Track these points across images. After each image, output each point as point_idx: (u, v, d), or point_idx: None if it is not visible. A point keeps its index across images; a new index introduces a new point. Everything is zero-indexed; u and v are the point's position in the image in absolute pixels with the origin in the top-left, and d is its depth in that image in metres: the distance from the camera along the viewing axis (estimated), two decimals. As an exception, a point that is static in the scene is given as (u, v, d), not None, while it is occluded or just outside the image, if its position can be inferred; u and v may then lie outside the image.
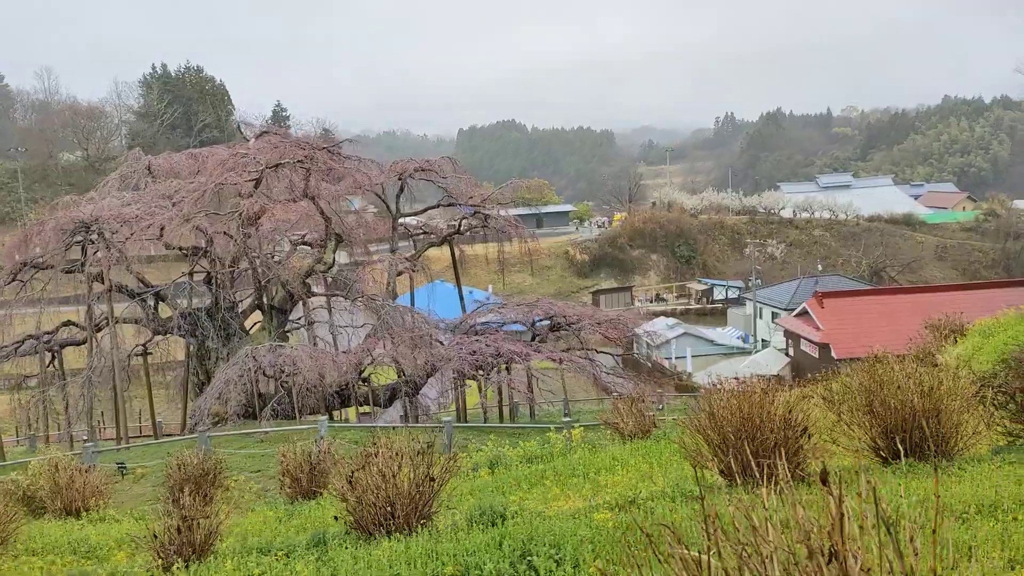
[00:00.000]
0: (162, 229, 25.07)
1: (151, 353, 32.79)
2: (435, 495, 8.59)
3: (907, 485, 8.78)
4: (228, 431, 22.69)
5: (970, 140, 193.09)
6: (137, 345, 31.73)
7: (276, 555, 7.69)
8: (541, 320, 29.48)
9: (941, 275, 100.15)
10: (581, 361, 25.86)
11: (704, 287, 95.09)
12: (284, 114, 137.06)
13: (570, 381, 30.45)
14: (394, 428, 23.69)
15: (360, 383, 26.40)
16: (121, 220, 24.85)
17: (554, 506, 8.88)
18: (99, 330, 29.59)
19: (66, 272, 25.55)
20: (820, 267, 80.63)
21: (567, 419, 20.29)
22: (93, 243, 24.61)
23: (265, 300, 29.05)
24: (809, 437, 9.42)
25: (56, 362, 30.82)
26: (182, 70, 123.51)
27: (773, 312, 67.47)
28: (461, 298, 33.40)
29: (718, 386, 9.89)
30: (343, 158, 29.76)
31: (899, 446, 9.72)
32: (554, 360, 25.47)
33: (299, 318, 30.21)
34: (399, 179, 31.44)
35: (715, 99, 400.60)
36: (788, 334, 56.08)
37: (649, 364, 65.04)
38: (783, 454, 9.18)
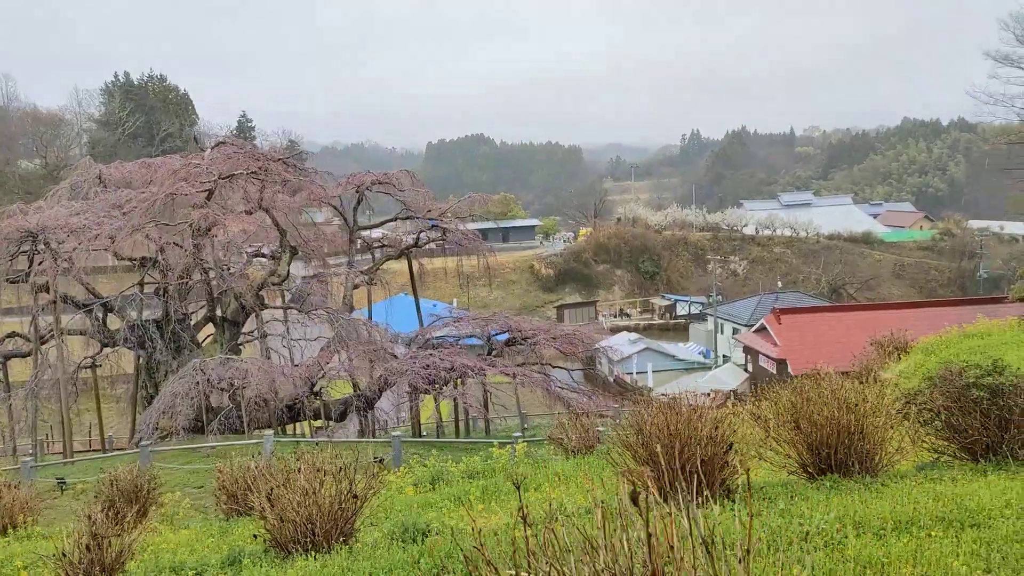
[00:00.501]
0: (112, 240, 24.64)
1: (100, 366, 32.13)
2: (357, 512, 8.51)
3: (828, 501, 8.92)
4: (174, 446, 22.26)
5: (928, 161, 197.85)
6: (85, 358, 31.09)
7: (187, 574, 7.54)
8: (497, 334, 29.48)
9: (898, 292, 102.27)
10: (535, 376, 25.87)
11: (667, 303, 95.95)
12: (249, 124, 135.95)
13: (527, 396, 30.42)
14: (342, 443, 23.47)
15: (312, 397, 26.12)
16: (68, 230, 24.38)
17: (480, 522, 8.83)
18: (45, 342, 28.94)
19: (10, 282, 24.95)
20: (780, 284, 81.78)
21: (517, 435, 20.26)
22: (39, 253, 24.09)
23: (218, 312, 28.65)
24: (735, 453, 9.52)
25: (1, 374, 30.08)
26: (145, 79, 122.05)
27: (734, 328, 68.26)
28: (419, 311, 33.27)
29: (660, 400, 9.95)
30: (298, 170, 29.57)
31: (824, 462, 9.88)
32: (508, 375, 25.45)
33: (252, 331, 29.85)
34: (356, 192, 31.31)
35: (682, 117, 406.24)
36: (747, 350, 56.70)
37: (611, 379, 65.37)
38: (706, 469, 9.29)
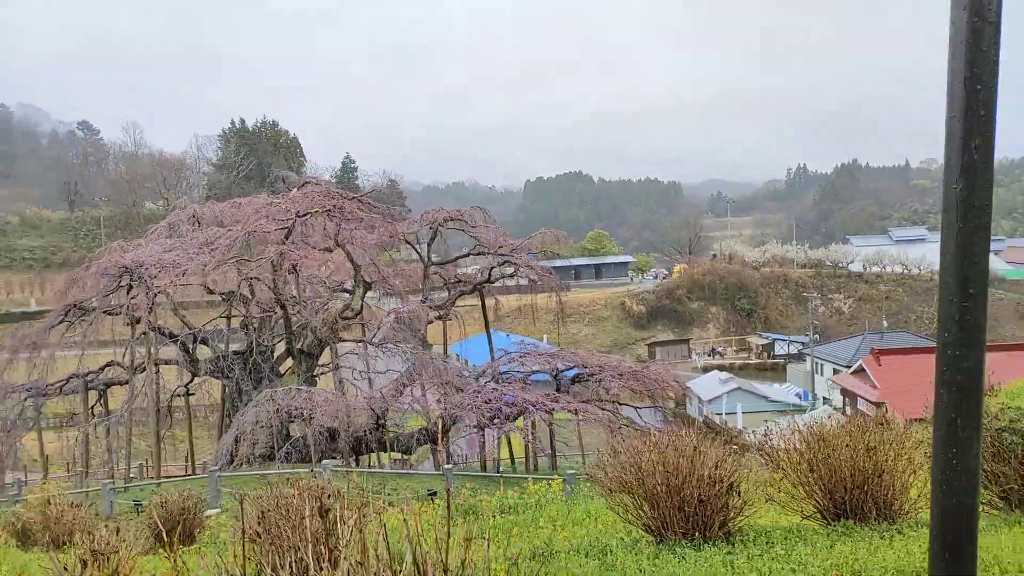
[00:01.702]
0: (195, 275, 26.19)
1: (193, 394, 33.90)
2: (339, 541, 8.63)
3: (831, 548, 8.43)
4: (243, 472, 23.18)
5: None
6: (179, 387, 32.87)
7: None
8: (565, 370, 29.33)
9: (1022, 334, 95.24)
10: (598, 412, 25.54)
11: (765, 341, 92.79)
12: (352, 165, 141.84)
13: (596, 434, 30.04)
14: (400, 474, 23.82)
15: (381, 430, 26.66)
16: (160, 266, 26.09)
17: (467, 555, 8.81)
18: (140, 371, 30.85)
19: (108, 314, 26.86)
20: (885, 323, 77.72)
21: (571, 472, 20.04)
22: (132, 287, 25.88)
23: (296, 345, 29.81)
24: (736, 495, 9.13)
25: (102, 401, 32.18)
26: (258, 124, 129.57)
27: (834, 369, 65.41)
28: (491, 346, 33.54)
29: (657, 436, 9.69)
30: (371, 207, 30.62)
31: (838, 507, 9.34)
32: (570, 411, 25.24)
33: (330, 363, 30.88)
34: (431, 228, 32.10)
35: (788, 151, 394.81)
36: (845, 392, 54.07)
37: (700, 419, 63.49)
38: (704, 510, 8.98)
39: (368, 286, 30.18)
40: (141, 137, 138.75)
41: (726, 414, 60.75)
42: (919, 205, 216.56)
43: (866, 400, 48.32)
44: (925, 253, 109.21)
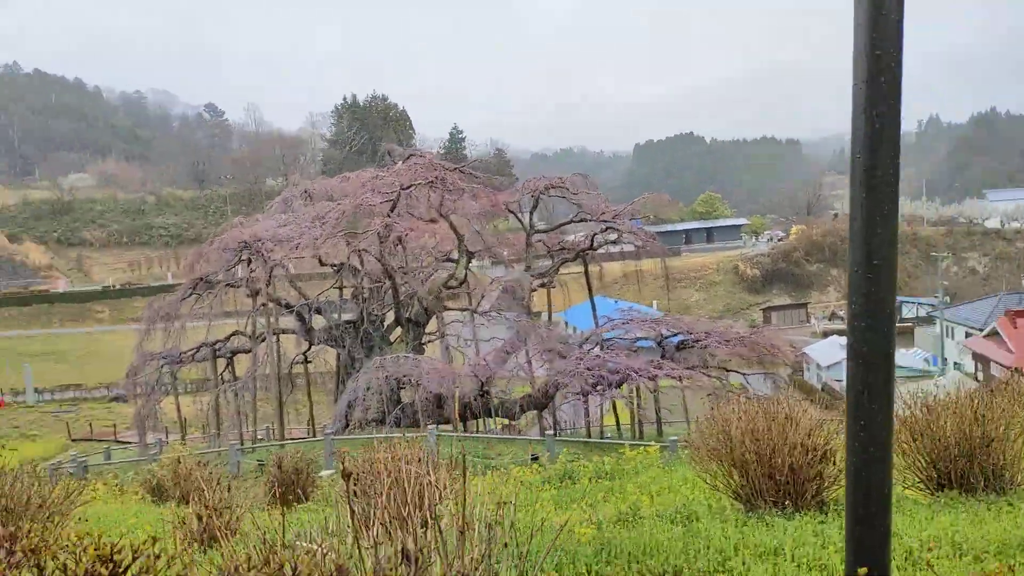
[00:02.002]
0: (307, 248, 27.42)
1: (311, 362, 35.63)
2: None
3: (931, 518, 8.06)
4: (356, 435, 24.29)
5: None
6: (298, 354, 34.64)
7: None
8: (669, 336, 28.94)
9: None
10: (703, 380, 25.14)
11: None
12: (460, 136, 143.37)
13: (702, 401, 29.59)
14: (502, 438, 24.31)
15: (484, 395, 27.22)
16: (275, 240, 27.46)
17: (552, 519, 8.99)
18: (262, 340, 32.71)
19: (231, 287, 28.54)
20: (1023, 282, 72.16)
21: (673, 439, 19.88)
22: (250, 261, 27.41)
23: (403, 314, 30.75)
24: (831, 463, 8.82)
25: (230, 368, 34.35)
26: (369, 99, 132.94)
27: (966, 332, 61.50)
28: (594, 313, 33.44)
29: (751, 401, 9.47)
30: (473, 177, 30.98)
31: (944, 477, 8.87)
32: (674, 378, 24.94)
33: (435, 332, 31.72)
34: (532, 196, 32.19)
35: (918, 101, 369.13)
36: (977, 357, 50.81)
37: (819, 387, 61.16)
38: (796, 479, 8.74)
39: (471, 255, 30.68)
40: (260, 117, 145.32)
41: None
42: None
43: (1000, 365, 45.20)
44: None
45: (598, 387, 24.78)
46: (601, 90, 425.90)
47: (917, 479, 9.17)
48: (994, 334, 47.88)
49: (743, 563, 7.02)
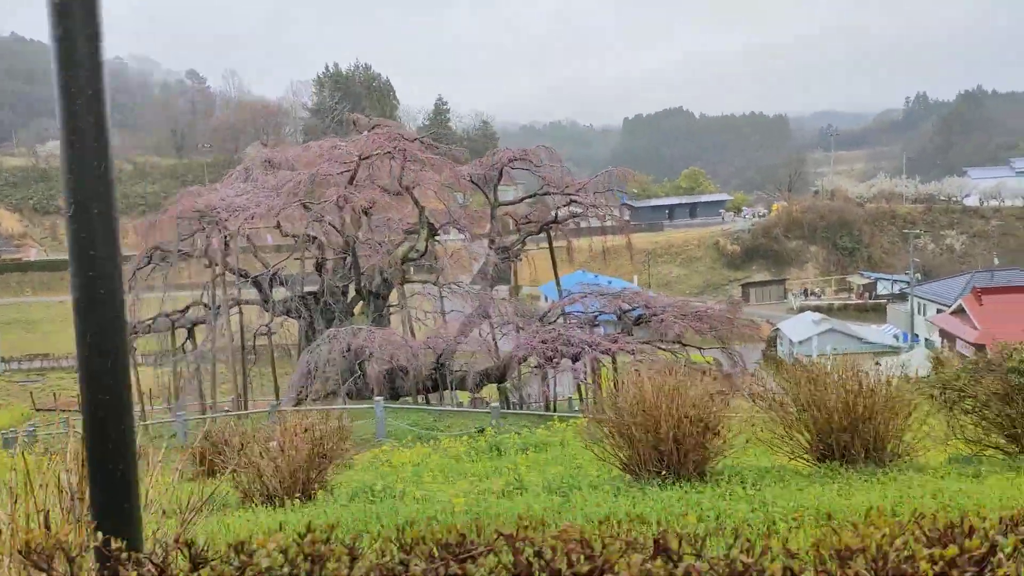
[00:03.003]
0: (270, 215, 27.25)
1: (275, 333, 35.55)
2: (324, 469, 9.02)
3: (804, 490, 8.16)
4: (304, 408, 24.35)
5: None
6: (262, 326, 34.55)
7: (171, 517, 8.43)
8: (628, 311, 29.03)
9: None
10: (657, 354, 25.27)
11: (867, 281, 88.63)
12: (445, 107, 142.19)
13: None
14: (448, 411, 24.41)
15: (442, 367, 27.27)
16: (230, 209, 27.25)
17: (443, 489, 9.07)
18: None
19: (185, 256, 28.32)
20: (996, 260, 72.76)
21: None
22: (204, 230, 27.24)
23: (364, 286, 30.68)
24: (715, 435, 8.91)
25: (192, 339, 34.24)
26: (352, 68, 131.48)
27: (938, 309, 61.97)
28: (559, 287, 33.49)
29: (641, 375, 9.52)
30: (434, 147, 30.79)
31: (826, 449, 8.99)
32: (627, 352, 25.04)
33: (399, 303, 31.69)
34: (496, 169, 32.03)
35: (905, 79, 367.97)
36: (944, 333, 51.31)
37: (790, 361, 61.59)
38: (681, 450, 8.84)
39: (433, 227, 30.57)
40: (239, 84, 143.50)
41: (817, 356, 58.81)
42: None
43: (965, 341, 45.69)
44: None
45: (552, 360, 24.88)
46: (593, 64, 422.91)
47: (803, 450, 9.30)
48: (960, 311, 48.31)
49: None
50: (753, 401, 9.94)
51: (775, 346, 70.09)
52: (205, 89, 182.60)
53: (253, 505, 8.39)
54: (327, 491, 9.16)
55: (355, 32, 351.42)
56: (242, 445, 8.69)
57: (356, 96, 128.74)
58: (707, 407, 8.87)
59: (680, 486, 8.44)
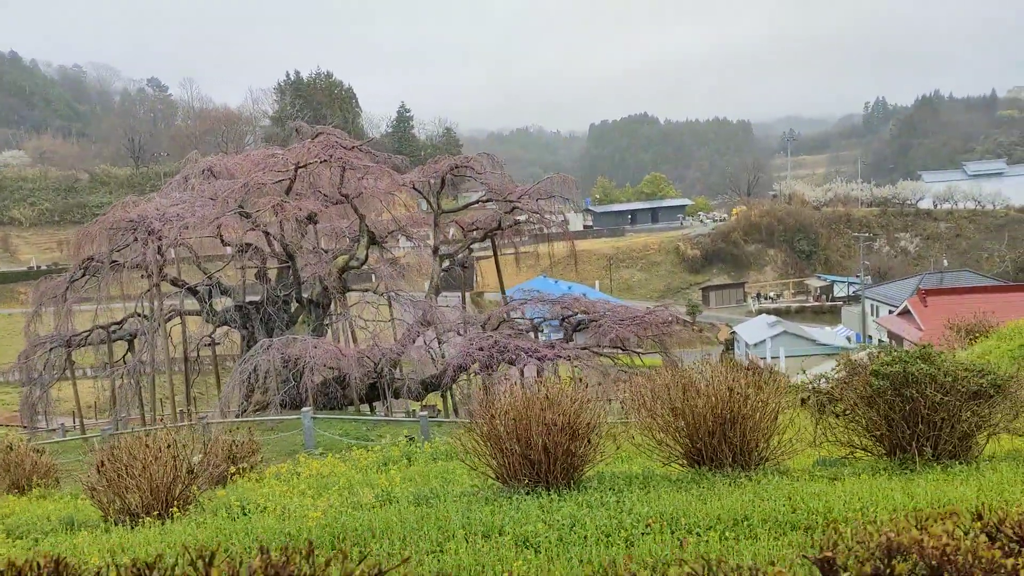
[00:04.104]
0: (203, 225, 26.89)
1: (219, 343, 35.09)
2: (189, 485, 8.88)
3: (664, 496, 8.20)
4: (231, 420, 24.04)
5: None
6: (203, 336, 34.08)
7: (23, 537, 8.26)
8: (569, 316, 29.13)
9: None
10: (595, 360, 25.36)
11: (823, 283, 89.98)
12: (408, 114, 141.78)
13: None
14: (379, 420, 24.26)
15: (380, 376, 27.07)
16: (164, 219, 26.85)
17: (315, 502, 8.98)
18: (165, 321, 32.09)
19: (118, 267, 27.76)
20: (946, 262, 74.23)
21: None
22: (136, 240, 26.79)
23: (304, 295, 30.44)
24: (588, 443, 8.93)
25: (132, 351, 33.65)
26: (313, 76, 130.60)
27: (891, 310, 63.01)
28: (503, 293, 33.50)
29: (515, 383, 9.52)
30: (373, 155, 30.65)
31: (697, 454, 9.06)
32: (564, 358, 25.10)
33: (340, 313, 31.46)
34: (438, 177, 31.99)
35: (865, 85, 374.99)
36: (891, 335, 52.13)
37: (745, 364, 62.29)
38: (552, 458, 8.84)
39: (373, 236, 30.40)
40: (198, 92, 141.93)
41: (771, 358, 59.50)
42: (1005, 138, 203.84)
43: (910, 341, 46.52)
44: (1001, 188, 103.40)
45: (488, 368, 24.84)
46: (559, 70, 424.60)
47: (676, 455, 9.35)
48: (907, 312, 49.17)
49: (465, 540, 7.10)
50: (623, 407, 9.97)
51: (732, 348, 70.85)
52: (167, 97, 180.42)
53: (107, 524, 8.24)
54: (199, 507, 9.03)
55: (320, 40, 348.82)
56: (102, 463, 8.51)
57: (318, 104, 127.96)
58: (578, 415, 8.89)
59: (548, 494, 8.44)
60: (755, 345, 62.84)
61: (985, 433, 8.77)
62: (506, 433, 8.82)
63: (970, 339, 19.03)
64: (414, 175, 32.63)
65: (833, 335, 64.87)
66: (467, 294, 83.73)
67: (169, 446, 8.75)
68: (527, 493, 8.51)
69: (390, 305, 33.39)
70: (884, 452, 8.98)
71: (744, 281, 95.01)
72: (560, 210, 33.74)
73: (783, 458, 9.03)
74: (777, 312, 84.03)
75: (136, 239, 26.48)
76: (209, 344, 34.77)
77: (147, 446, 8.71)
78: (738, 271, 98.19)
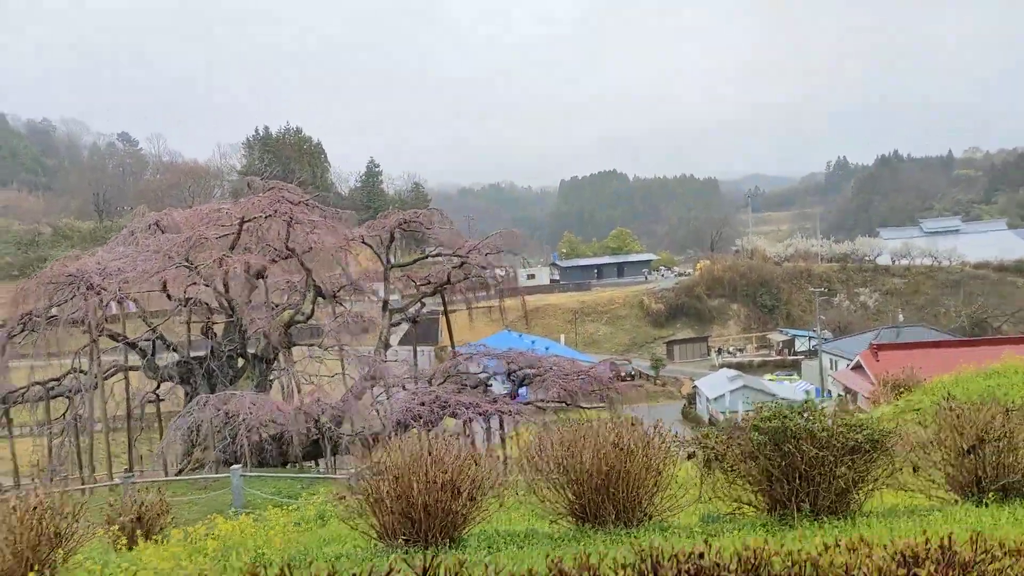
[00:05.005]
0: (144, 279, 26.61)
1: (164, 400, 34.41)
2: (54, 549, 8.60)
3: (517, 557, 8.07)
4: (160, 479, 23.45)
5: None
6: (149, 392, 33.43)
7: None
8: (516, 370, 29.05)
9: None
10: (534, 414, 25.21)
11: (785, 338, 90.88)
12: (377, 169, 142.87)
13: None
14: (317, 478, 23.81)
15: (320, 433, 26.64)
16: (104, 274, 26.55)
17: (186, 566, 8.74)
18: (108, 377, 31.47)
19: (55, 322, 27.27)
20: (901, 317, 75.51)
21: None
22: (76, 295, 26.41)
23: (248, 350, 30.10)
24: (470, 501, 8.83)
25: (70, 409, 32.84)
26: (282, 131, 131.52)
27: (848, 364, 63.70)
28: (453, 347, 33.39)
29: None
30: (321, 210, 30.75)
31: (581, 511, 8.98)
32: (504, 413, 24.94)
33: (284, 368, 31.07)
34: (388, 232, 32.11)
35: (828, 145, 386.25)
36: (847, 388, 52.63)
37: (705, 418, 62.46)
38: (432, 516, 8.71)
39: (320, 290, 30.29)
40: (167, 147, 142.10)
41: (731, 412, 59.62)
42: (962, 196, 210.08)
43: (864, 396, 46.95)
44: (957, 245, 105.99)
45: (429, 423, 24.58)
46: (533, 128, 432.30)
47: (566, 512, 9.26)
48: (860, 367, 49.75)
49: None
50: (504, 463, 9.90)
51: (694, 403, 70.96)
52: (137, 152, 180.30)
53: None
54: (66, 572, 8.74)
55: (295, 99, 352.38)
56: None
57: (287, 158, 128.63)
58: (460, 472, 8.79)
59: (424, 554, 8.28)
60: (715, 399, 62.98)
61: (865, 488, 8.80)
62: (388, 491, 8.69)
63: (896, 394, 19.29)
64: (363, 229, 32.73)
65: (793, 389, 65.22)
66: (432, 348, 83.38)
67: (35, 508, 8.50)
68: (405, 552, 8.35)
69: (342, 361, 33.14)
70: (768, 506, 8.97)
71: (708, 335, 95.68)
72: (510, 264, 33.89)
73: (667, 514, 8.98)
74: (740, 366, 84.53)
75: (75, 294, 26.09)
76: (153, 400, 34.11)
77: (13, 509, 8.45)
78: (702, 325, 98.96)
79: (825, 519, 8.41)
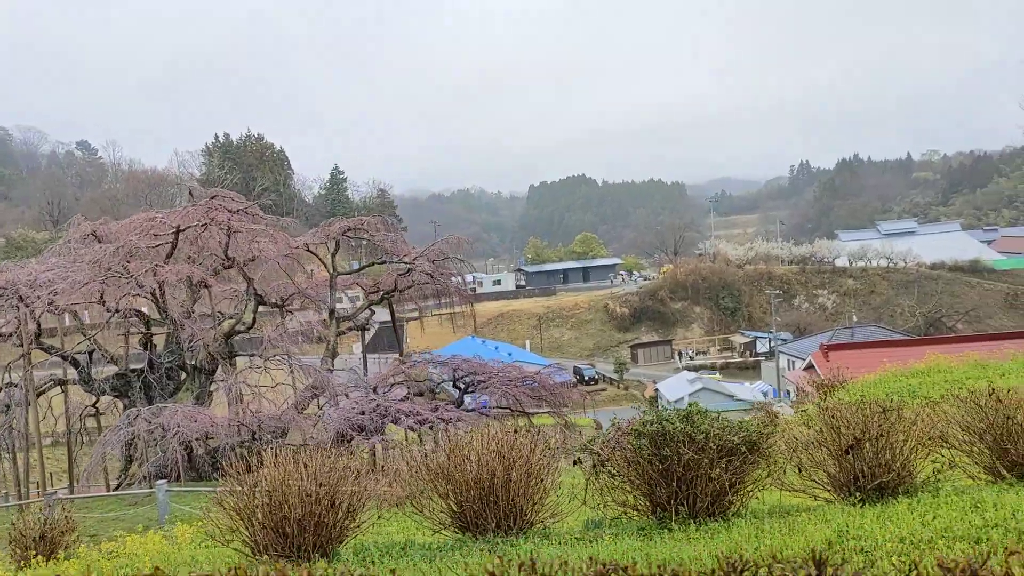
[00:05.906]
0: (73, 291, 26.00)
1: (103, 414, 33.67)
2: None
3: (413, 568, 7.92)
4: (90, 495, 22.91)
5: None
6: (87, 406, 32.70)
7: None
8: (461, 377, 28.85)
9: (1012, 324, 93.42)
10: (474, 420, 25.02)
11: (747, 340, 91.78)
12: (342, 176, 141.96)
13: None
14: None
15: (259, 444, 26.18)
16: (32, 285, 25.93)
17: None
18: (42, 393, 30.73)
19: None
20: (855, 318, 76.61)
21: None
22: (6, 307, 25.73)
23: (188, 361, 29.57)
24: (347, 512, 8.65)
25: (3, 425, 31.98)
26: (243, 139, 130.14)
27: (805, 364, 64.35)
28: (401, 353, 33.12)
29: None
30: (261, 218, 30.36)
31: (462, 520, 8.84)
32: (445, 420, 24.72)
33: (224, 379, 30.55)
34: (332, 239, 31.78)
35: (792, 149, 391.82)
36: (799, 389, 53.16)
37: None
38: (301, 532, 8.50)
39: (261, 299, 29.86)
40: (127, 154, 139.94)
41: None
42: (920, 198, 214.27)
43: (813, 394, 47.45)
44: (912, 246, 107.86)
45: (366, 431, 24.31)
46: (500, 133, 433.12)
47: (448, 522, 9.11)
48: (811, 367, 50.21)
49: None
50: (381, 473, 9.73)
51: (656, 405, 71.31)
52: (96, 160, 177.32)
53: None
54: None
55: (261, 106, 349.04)
56: None
57: (248, 165, 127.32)
58: (336, 484, 8.61)
59: (296, 568, 8.08)
60: (675, 401, 63.30)
61: (744, 490, 8.77)
62: (260, 504, 8.48)
63: (822, 394, 19.44)
64: (307, 237, 32.36)
65: (751, 390, 65.85)
66: (397, 356, 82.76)
67: None
68: (276, 567, 8.14)
69: (292, 371, 32.69)
70: (650, 510, 8.91)
71: (671, 338, 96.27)
72: (457, 271, 33.73)
73: (550, 521, 8.87)
74: (703, 368, 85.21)
75: (3, 305, 25.43)
76: (92, 415, 33.38)
77: None
78: (666, 328, 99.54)
79: (702, 521, 8.36)
